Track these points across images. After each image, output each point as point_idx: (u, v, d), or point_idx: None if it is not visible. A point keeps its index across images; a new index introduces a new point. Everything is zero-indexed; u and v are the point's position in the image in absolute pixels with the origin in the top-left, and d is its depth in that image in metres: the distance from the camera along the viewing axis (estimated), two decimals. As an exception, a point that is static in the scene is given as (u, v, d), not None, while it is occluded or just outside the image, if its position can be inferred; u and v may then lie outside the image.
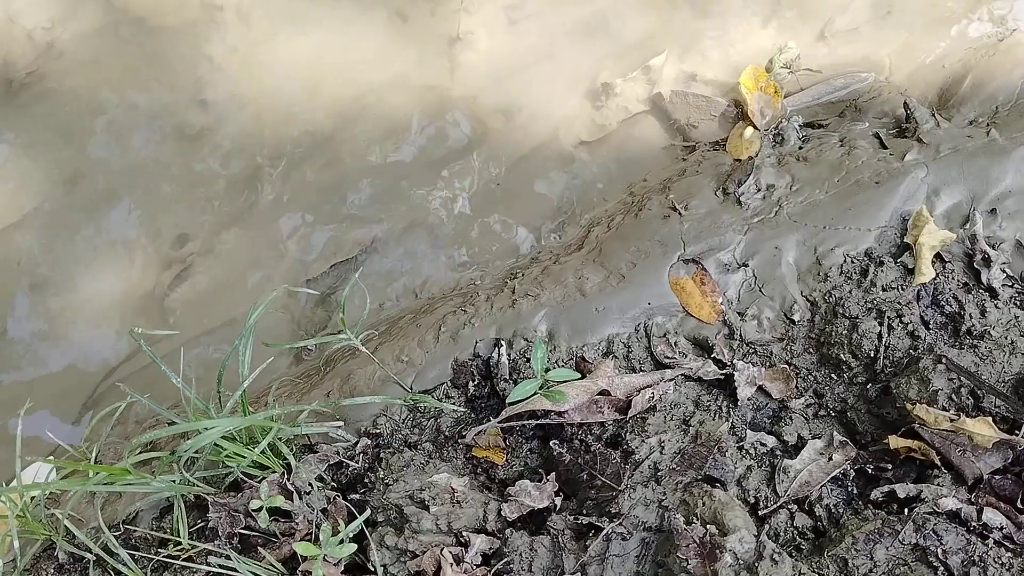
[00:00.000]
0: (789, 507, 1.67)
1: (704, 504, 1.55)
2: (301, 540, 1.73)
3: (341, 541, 1.62)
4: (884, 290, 1.91)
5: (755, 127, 2.27)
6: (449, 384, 1.98)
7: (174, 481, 1.76)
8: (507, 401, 1.78)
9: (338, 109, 2.53)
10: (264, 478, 1.78)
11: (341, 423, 1.92)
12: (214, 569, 1.68)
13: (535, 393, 1.76)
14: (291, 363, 2.25)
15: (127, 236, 2.43)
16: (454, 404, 1.93)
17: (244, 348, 1.73)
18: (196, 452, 1.72)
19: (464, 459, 1.88)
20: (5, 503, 1.85)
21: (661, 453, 1.70)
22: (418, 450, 1.87)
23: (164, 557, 1.77)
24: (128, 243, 2.42)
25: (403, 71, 2.56)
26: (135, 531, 1.89)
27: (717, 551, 1.43)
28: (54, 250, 2.42)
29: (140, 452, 1.75)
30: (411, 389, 1.97)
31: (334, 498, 1.76)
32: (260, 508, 1.73)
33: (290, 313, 2.33)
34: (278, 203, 2.43)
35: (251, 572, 1.64)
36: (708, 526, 1.48)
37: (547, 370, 1.76)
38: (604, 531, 1.56)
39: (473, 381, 1.95)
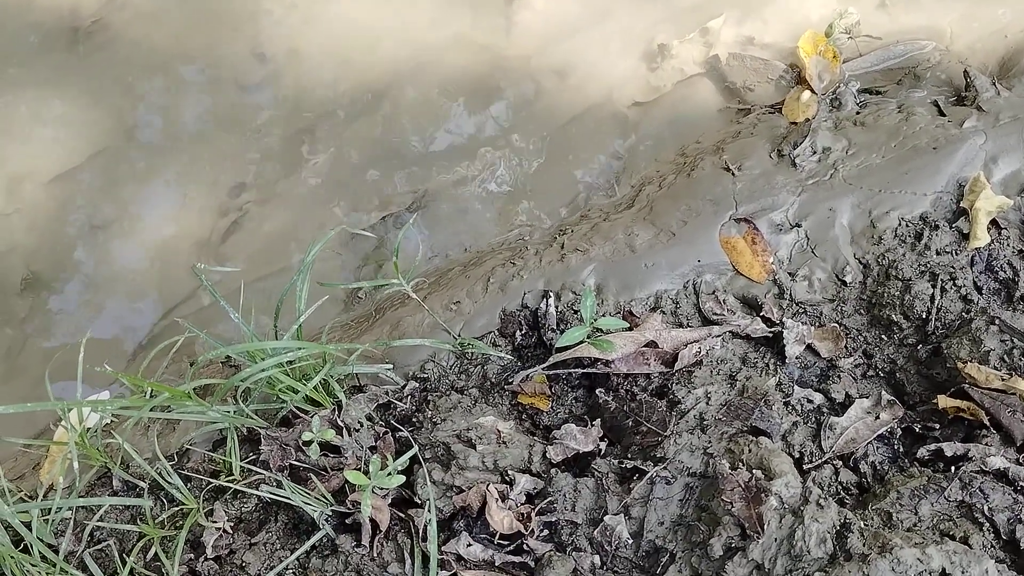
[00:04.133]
0: (834, 463, 1.68)
1: (750, 451, 1.56)
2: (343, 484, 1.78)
3: (389, 474, 1.66)
4: (938, 254, 1.89)
5: (812, 91, 2.25)
6: (497, 333, 2.00)
7: (230, 412, 1.81)
8: (555, 347, 1.81)
9: (394, 66, 2.56)
10: (316, 413, 1.82)
11: (391, 365, 1.95)
12: (265, 495, 1.72)
13: (583, 341, 1.78)
14: (342, 310, 2.29)
15: (184, 183, 2.48)
16: (501, 352, 1.95)
17: (302, 284, 1.78)
18: (252, 383, 1.76)
19: (509, 405, 1.91)
20: (65, 428, 1.93)
21: (707, 404, 1.71)
22: (465, 394, 1.90)
23: (218, 484, 1.82)
24: (185, 190, 2.47)
25: (459, 30, 2.57)
26: (188, 462, 1.95)
27: (763, 495, 1.44)
28: (114, 194, 2.48)
29: (196, 378, 1.80)
30: (459, 336, 2.00)
31: (383, 434, 1.80)
32: (312, 441, 1.78)
33: (342, 263, 2.37)
34: (333, 156, 2.47)
35: (303, 501, 1.69)
36: (754, 471, 1.49)
37: (595, 319, 1.78)
38: (648, 474, 1.58)
39: (521, 331, 1.97)
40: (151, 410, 1.76)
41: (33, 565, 1.72)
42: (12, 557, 1.69)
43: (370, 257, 2.37)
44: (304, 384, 1.80)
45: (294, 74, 2.57)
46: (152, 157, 2.52)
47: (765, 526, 1.41)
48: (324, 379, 1.85)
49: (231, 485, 1.77)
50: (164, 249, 2.43)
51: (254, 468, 1.79)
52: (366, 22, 2.61)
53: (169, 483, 1.81)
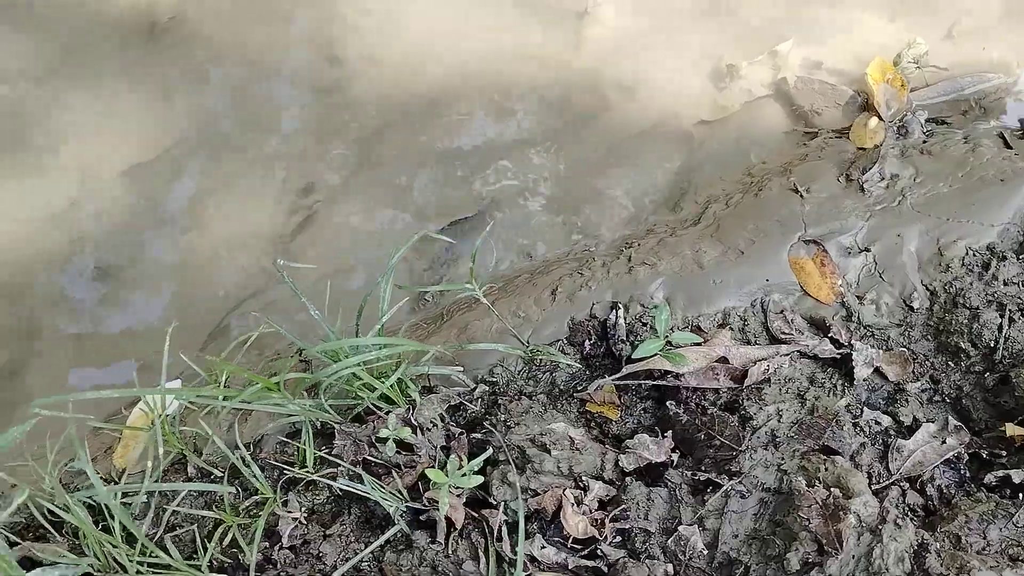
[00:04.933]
0: (901, 484, 1.71)
1: (826, 469, 1.59)
2: (415, 480, 1.83)
3: (466, 474, 1.70)
4: (1006, 284, 1.93)
5: (880, 118, 2.29)
6: (565, 342, 2.05)
7: (307, 405, 1.86)
8: (632, 357, 1.85)
9: (464, 74, 2.61)
10: (390, 411, 1.87)
11: (461, 368, 2.00)
12: (341, 486, 1.77)
13: (655, 354, 1.81)
14: (408, 312, 2.34)
15: (255, 180, 2.53)
16: (571, 360, 1.99)
17: (386, 285, 1.82)
18: (333, 379, 1.81)
19: (578, 412, 1.95)
20: (143, 412, 1.99)
21: (779, 421, 1.75)
22: (534, 400, 1.94)
23: (293, 475, 1.87)
24: (256, 187, 2.52)
25: (529, 42, 2.62)
26: (260, 452, 1.99)
27: (841, 512, 1.48)
28: (185, 188, 2.54)
29: (268, 371, 1.85)
30: (527, 343, 2.04)
31: (458, 435, 1.84)
32: (388, 439, 1.82)
33: (409, 266, 2.41)
34: (401, 159, 2.52)
35: (381, 496, 1.73)
36: (831, 489, 1.53)
37: (669, 333, 1.81)
38: (724, 488, 1.62)
39: (589, 340, 2.02)
40: (227, 399, 1.81)
41: (114, 546, 1.77)
42: (95, 536, 1.74)
43: (436, 261, 2.41)
44: (382, 382, 1.84)
45: (366, 78, 2.63)
46: (224, 153, 2.57)
47: (844, 543, 1.45)
48: (399, 378, 1.89)
49: (306, 476, 1.82)
50: (233, 244, 2.48)
51: (329, 457, 1.83)
52: (437, 29, 2.67)
53: (246, 472, 1.86)
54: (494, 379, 2.02)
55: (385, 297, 1.84)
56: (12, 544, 1.84)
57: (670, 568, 1.59)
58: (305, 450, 1.91)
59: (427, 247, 2.43)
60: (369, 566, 1.75)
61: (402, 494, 1.79)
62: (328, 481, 1.80)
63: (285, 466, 1.97)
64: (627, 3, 2.62)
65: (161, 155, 2.58)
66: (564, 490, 1.66)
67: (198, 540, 1.84)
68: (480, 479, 1.70)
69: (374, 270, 2.41)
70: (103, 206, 2.53)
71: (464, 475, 1.70)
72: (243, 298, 2.42)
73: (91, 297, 2.44)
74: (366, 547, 1.76)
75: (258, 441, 2.03)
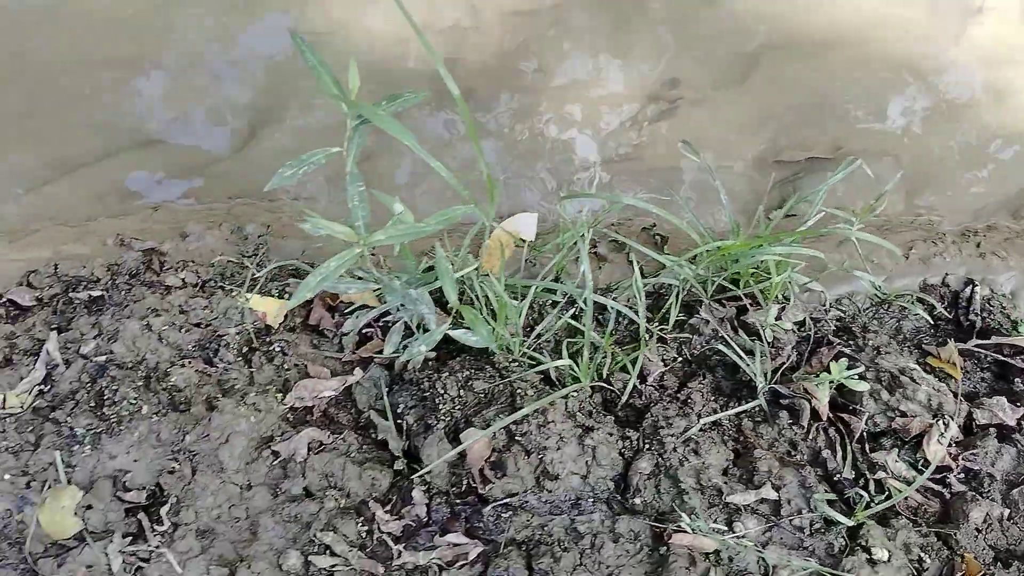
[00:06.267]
0: None
1: None
2: (776, 368, 2.04)
3: (850, 377, 1.90)
4: None
5: None
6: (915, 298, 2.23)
7: (698, 272, 2.07)
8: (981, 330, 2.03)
9: (841, 27, 2.73)
10: (770, 304, 2.07)
11: (823, 289, 2.19)
12: (722, 348, 1.98)
13: (1024, 334, 2.00)
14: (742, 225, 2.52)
15: (625, 61, 2.69)
16: (924, 315, 2.18)
17: (822, 194, 2.01)
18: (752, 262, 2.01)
19: (917, 361, 2.14)
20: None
21: (1121, 428, 1.94)
22: (882, 337, 2.13)
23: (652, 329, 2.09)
24: (623, 68, 2.68)
25: (910, 17, 2.74)
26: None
27: None
28: (560, 46, 2.71)
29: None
30: (879, 288, 2.23)
31: (835, 344, 2.04)
32: (766, 327, 2.03)
33: (751, 185, 2.58)
34: (767, 83, 2.67)
35: (752, 369, 1.94)
36: None
37: (1043, 320, 2.00)
38: (1081, 464, 1.82)
39: (942, 303, 2.20)
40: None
41: (512, 334, 2.00)
42: (505, 313, 1.96)
43: (777, 188, 2.58)
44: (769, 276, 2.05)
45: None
46: (604, 27, 2.73)
47: None
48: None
49: (662, 334, 2.03)
50: (589, 114, 2.66)
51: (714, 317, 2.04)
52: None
53: (614, 310, 2.07)
54: (842, 308, 2.21)
55: (818, 202, 2.02)
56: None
57: (1007, 512, 1.80)
58: (669, 311, 2.13)
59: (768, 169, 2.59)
60: (727, 424, 1.96)
61: (766, 376, 2.00)
62: (715, 334, 2.01)
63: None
64: (1015, 14, 2.72)
65: (546, 8, 2.74)
66: (937, 420, 1.86)
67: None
68: (866, 385, 1.90)
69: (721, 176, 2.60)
70: (485, 38, 2.70)
71: (853, 378, 1.90)
72: (595, 161, 2.61)
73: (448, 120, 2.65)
74: (720, 409, 1.97)
75: (612, 289, 2.25)
